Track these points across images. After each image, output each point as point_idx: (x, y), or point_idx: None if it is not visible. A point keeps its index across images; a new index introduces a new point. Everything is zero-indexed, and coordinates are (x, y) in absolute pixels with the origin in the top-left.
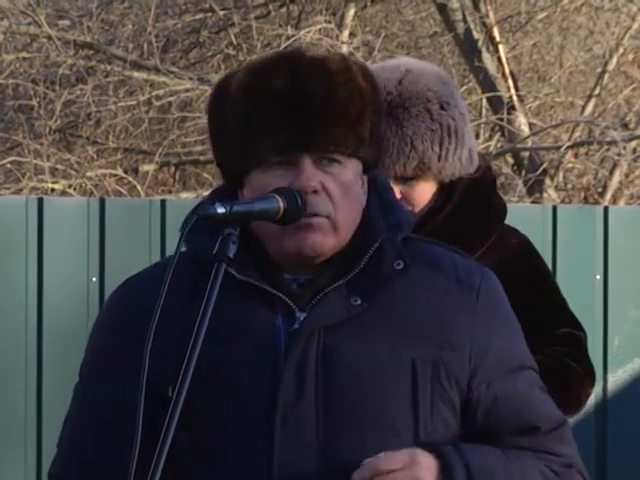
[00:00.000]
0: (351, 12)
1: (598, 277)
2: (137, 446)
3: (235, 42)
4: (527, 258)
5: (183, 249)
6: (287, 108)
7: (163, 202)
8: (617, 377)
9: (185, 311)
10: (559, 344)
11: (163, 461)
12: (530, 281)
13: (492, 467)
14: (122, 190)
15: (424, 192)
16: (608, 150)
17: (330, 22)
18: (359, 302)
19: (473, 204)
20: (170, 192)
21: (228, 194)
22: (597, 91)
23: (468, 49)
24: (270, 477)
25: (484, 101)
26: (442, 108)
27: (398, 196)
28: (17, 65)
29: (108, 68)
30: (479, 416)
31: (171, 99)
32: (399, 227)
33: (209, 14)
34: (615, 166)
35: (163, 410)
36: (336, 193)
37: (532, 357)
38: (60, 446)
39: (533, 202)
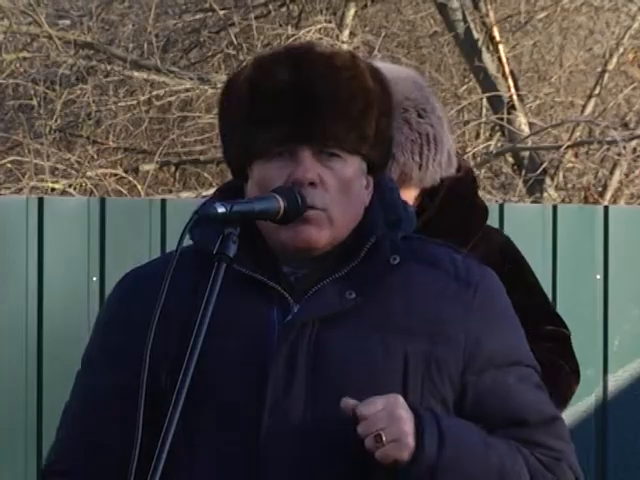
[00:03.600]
0: (351, 12)
1: (598, 277)
2: (137, 446)
3: (235, 42)
4: (510, 257)
5: (185, 244)
6: (290, 101)
7: (163, 202)
8: (618, 377)
9: (188, 306)
10: (545, 341)
11: (163, 460)
12: (514, 280)
13: (466, 430)
14: (122, 190)
15: (408, 200)
16: (608, 150)
17: (330, 22)
18: (354, 296)
19: (457, 203)
20: (170, 192)
21: (234, 190)
22: (597, 91)
23: (468, 49)
24: (256, 468)
25: (484, 101)
26: (420, 116)
27: None
28: (17, 65)
29: (108, 68)
30: (467, 408)
31: (171, 99)
32: (399, 225)
33: (209, 14)
34: (615, 166)
35: (161, 402)
36: (334, 188)
37: (532, 356)
38: (58, 434)
39: (533, 202)
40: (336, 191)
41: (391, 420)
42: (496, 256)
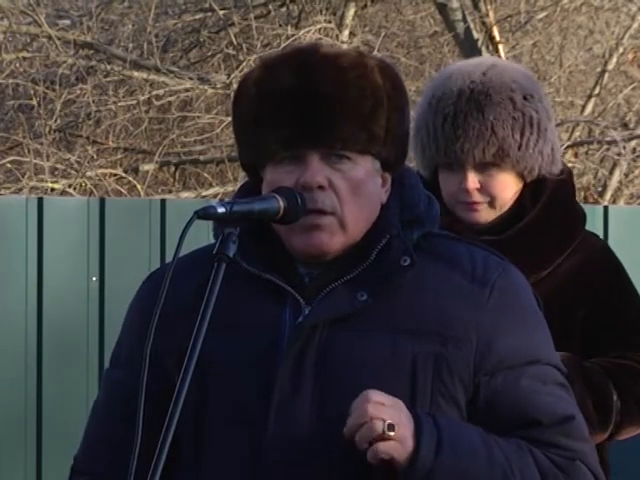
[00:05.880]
0: (351, 12)
1: None
2: (137, 445)
3: (235, 42)
4: (612, 263)
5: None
6: (296, 104)
7: (163, 202)
8: None
9: (192, 305)
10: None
11: (164, 459)
12: (616, 286)
13: (466, 434)
14: (122, 190)
15: (505, 184)
16: (608, 150)
17: (330, 22)
18: (365, 297)
19: (560, 205)
20: (170, 192)
21: (253, 189)
22: (597, 91)
23: (468, 49)
24: (261, 470)
25: None
26: (525, 99)
27: (476, 186)
28: (17, 65)
29: (108, 68)
30: (480, 409)
31: (171, 99)
32: (417, 223)
33: (209, 14)
34: (615, 166)
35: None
36: (344, 190)
37: (554, 354)
38: (86, 429)
39: None
40: (347, 193)
41: (397, 418)
42: (597, 261)
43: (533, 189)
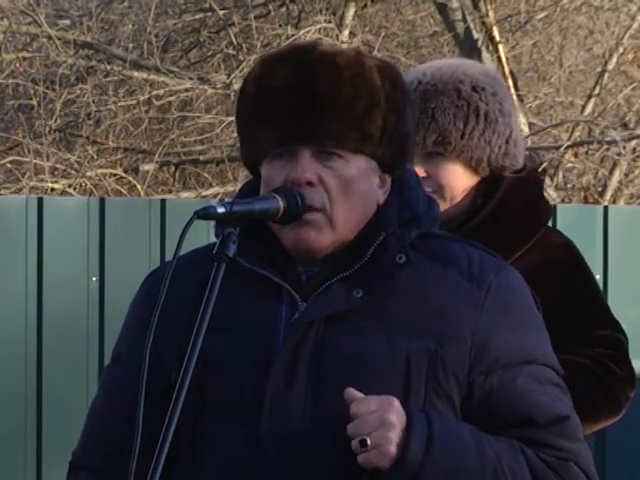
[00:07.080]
0: (351, 12)
1: (598, 277)
2: (137, 445)
3: (235, 42)
4: (571, 259)
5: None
6: (290, 101)
7: (163, 202)
8: None
9: (192, 305)
10: (600, 346)
11: (164, 459)
12: (573, 282)
13: (457, 431)
14: (122, 190)
15: (452, 173)
16: (608, 150)
17: (330, 22)
18: (361, 294)
19: (517, 202)
20: (170, 192)
21: (255, 189)
22: (597, 91)
23: (468, 49)
24: (256, 468)
25: None
26: (474, 90)
27: (422, 175)
28: (17, 65)
29: (108, 68)
30: (475, 408)
31: (171, 99)
32: (415, 223)
33: (209, 14)
34: (615, 166)
35: (168, 396)
36: (334, 187)
37: (551, 355)
38: (85, 424)
39: None
40: (337, 191)
41: (379, 424)
42: (555, 259)
43: (488, 185)
